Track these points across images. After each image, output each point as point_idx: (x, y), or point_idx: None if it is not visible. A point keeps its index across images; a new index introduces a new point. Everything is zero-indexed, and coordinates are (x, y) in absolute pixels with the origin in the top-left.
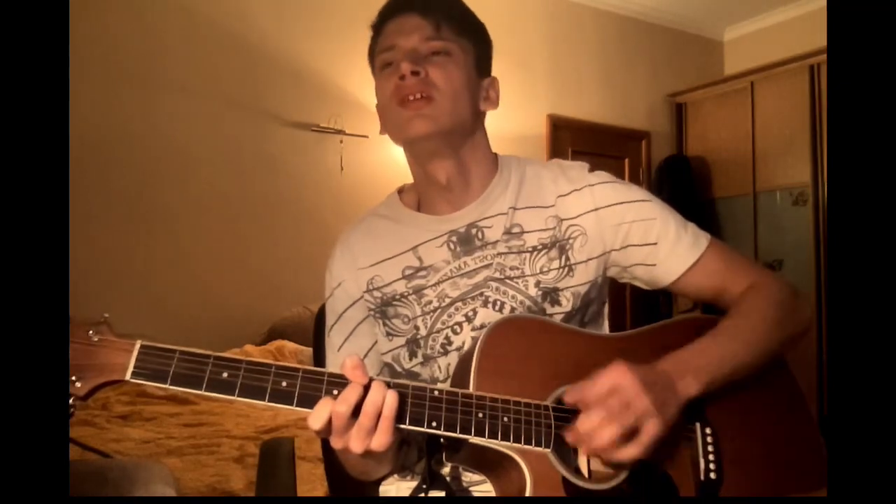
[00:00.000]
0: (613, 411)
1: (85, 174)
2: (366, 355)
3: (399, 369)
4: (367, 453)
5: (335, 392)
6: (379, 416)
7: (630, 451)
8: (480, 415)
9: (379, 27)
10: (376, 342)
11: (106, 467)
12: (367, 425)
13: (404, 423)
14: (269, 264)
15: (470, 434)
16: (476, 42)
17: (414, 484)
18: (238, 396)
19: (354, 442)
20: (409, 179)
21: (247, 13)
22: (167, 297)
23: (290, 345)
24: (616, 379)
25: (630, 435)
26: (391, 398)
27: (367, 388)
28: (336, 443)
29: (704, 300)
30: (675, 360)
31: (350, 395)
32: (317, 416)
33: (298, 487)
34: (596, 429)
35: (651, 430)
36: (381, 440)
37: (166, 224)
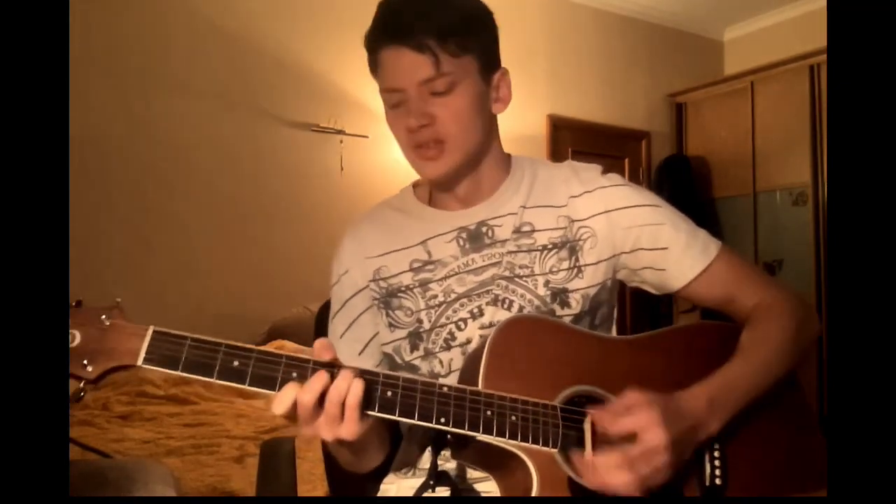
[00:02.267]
0: (632, 460)
1: (85, 174)
2: (367, 345)
3: (399, 361)
4: (340, 443)
5: (294, 375)
6: (344, 404)
7: (628, 492)
8: (488, 412)
9: (373, 50)
10: (378, 333)
11: (106, 467)
12: (332, 413)
13: (372, 410)
14: (268, 264)
15: (478, 431)
16: (479, 46)
17: (415, 482)
18: (249, 385)
19: (323, 430)
20: (409, 179)
21: (247, 13)
22: (167, 296)
23: (289, 345)
24: (646, 426)
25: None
26: (356, 386)
27: (333, 376)
28: (304, 431)
29: (713, 308)
30: (707, 399)
31: (315, 384)
32: (280, 401)
33: (298, 487)
34: (610, 468)
35: (659, 480)
36: (348, 429)
37: (166, 224)
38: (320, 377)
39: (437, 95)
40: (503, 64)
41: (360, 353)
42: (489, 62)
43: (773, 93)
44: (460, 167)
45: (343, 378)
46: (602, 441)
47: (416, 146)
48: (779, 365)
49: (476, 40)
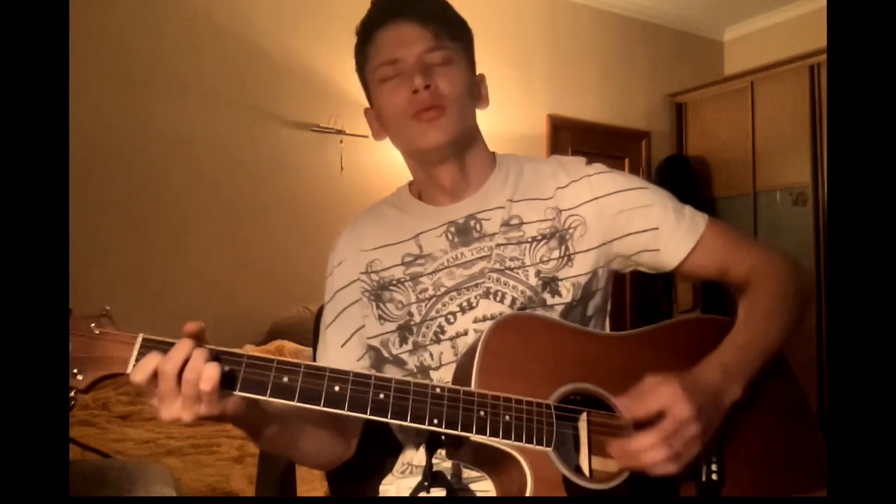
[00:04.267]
0: (666, 435)
1: (87, 174)
2: (351, 336)
3: (386, 354)
4: (218, 420)
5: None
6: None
7: (669, 468)
8: (482, 413)
9: (369, 35)
10: (363, 326)
11: (106, 467)
12: (188, 393)
13: (234, 390)
14: (268, 264)
15: (471, 432)
16: (466, 43)
17: (413, 482)
18: (239, 392)
19: (184, 411)
20: (409, 178)
21: (247, 13)
22: (167, 296)
23: (289, 345)
24: (670, 401)
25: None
26: (210, 370)
27: None
28: (164, 414)
29: (710, 279)
30: (721, 367)
31: (177, 354)
32: (141, 368)
33: (298, 487)
34: (647, 449)
35: (694, 451)
36: (208, 408)
37: (167, 224)
38: (183, 347)
39: (440, 66)
40: (505, 64)
41: (343, 345)
42: (473, 62)
43: (773, 93)
44: (456, 139)
45: (197, 357)
46: (598, 439)
47: (417, 111)
48: (780, 325)
49: (465, 38)
